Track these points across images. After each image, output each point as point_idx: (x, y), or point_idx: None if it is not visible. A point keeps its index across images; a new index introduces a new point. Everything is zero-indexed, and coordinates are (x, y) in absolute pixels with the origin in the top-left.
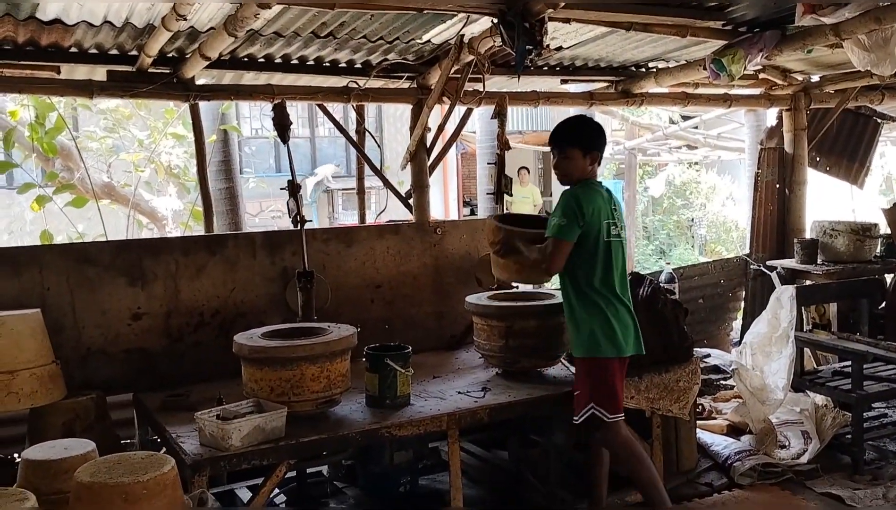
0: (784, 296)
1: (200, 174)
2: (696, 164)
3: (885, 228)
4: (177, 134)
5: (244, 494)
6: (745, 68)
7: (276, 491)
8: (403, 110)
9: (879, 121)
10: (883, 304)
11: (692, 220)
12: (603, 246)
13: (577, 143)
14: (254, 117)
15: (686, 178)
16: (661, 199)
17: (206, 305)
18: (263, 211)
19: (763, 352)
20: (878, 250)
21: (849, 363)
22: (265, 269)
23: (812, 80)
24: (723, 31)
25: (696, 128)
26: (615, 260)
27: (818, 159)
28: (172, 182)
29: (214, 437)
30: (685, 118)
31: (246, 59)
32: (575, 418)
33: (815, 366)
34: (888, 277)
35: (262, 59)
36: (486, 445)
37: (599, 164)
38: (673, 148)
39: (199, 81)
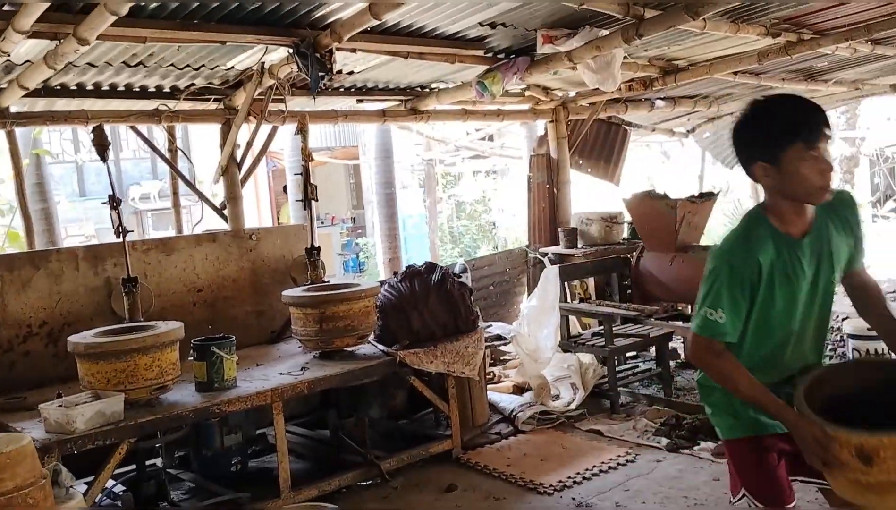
0: (551, 274)
1: (20, 196)
2: (494, 172)
3: (628, 216)
4: None
5: (81, 488)
6: (503, 88)
7: (114, 482)
8: (210, 131)
9: (627, 128)
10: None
11: (493, 223)
12: None
13: None
14: (54, 142)
15: (485, 185)
16: (463, 205)
17: (34, 317)
18: (69, 236)
19: (536, 322)
20: (625, 234)
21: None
22: (89, 280)
23: (569, 96)
24: (484, 58)
25: (484, 139)
26: None
27: (580, 162)
28: None
29: (60, 423)
30: (478, 130)
31: (58, 88)
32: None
33: (581, 330)
34: (634, 255)
35: (74, 87)
36: (308, 427)
37: None
38: (466, 158)
39: (13, 109)
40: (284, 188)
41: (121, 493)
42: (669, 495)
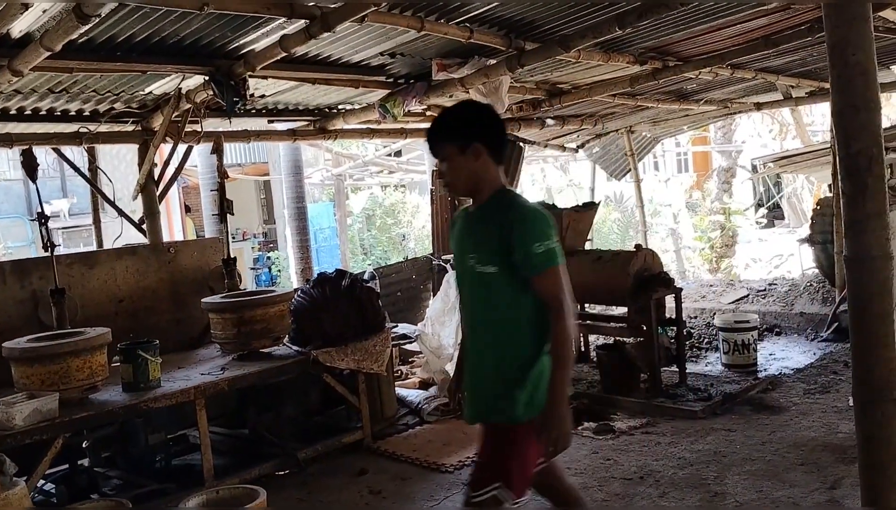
0: (451, 278)
1: None
2: (403, 186)
3: None
4: None
5: None
6: (403, 111)
7: (43, 482)
8: (120, 150)
9: (522, 145)
10: None
11: (403, 236)
12: None
13: (452, 137)
14: None
15: (394, 199)
16: (374, 218)
17: None
18: None
19: (439, 322)
20: None
21: None
22: (16, 293)
23: None
24: (385, 83)
25: (391, 155)
26: None
27: None
28: None
29: None
30: (385, 147)
31: None
32: (474, 494)
33: None
34: None
35: None
36: (227, 428)
37: (501, 163)
38: (374, 172)
39: None
40: (188, 208)
41: (52, 490)
42: None
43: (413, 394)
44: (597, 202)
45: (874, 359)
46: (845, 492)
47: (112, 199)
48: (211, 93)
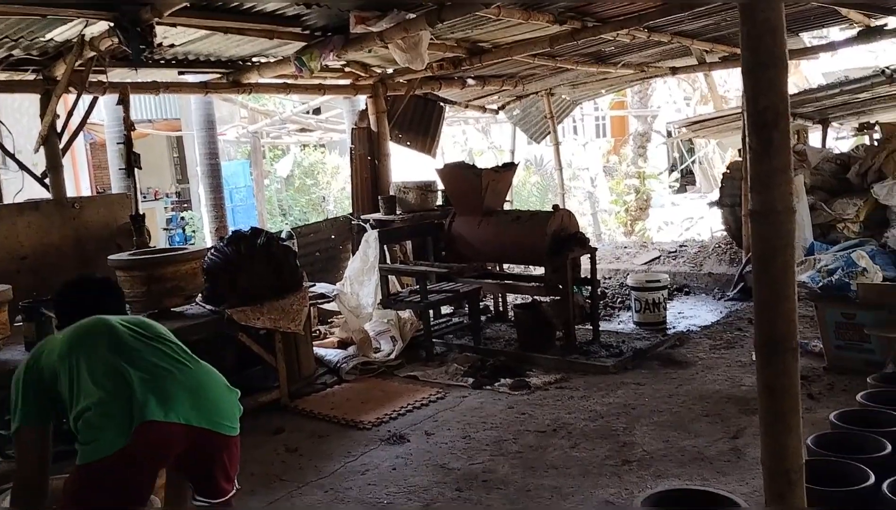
0: (370, 238)
1: None
2: (323, 146)
3: (441, 184)
4: None
5: None
6: (320, 65)
7: None
8: (22, 102)
9: (442, 105)
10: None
11: (323, 197)
12: (67, 374)
13: None
14: None
15: (313, 159)
16: (293, 179)
17: None
18: None
19: (358, 281)
20: (439, 201)
21: None
22: None
23: (388, 73)
24: (301, 35)
25: (309, 113)
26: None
27: (399, 136)
28: None
29: None
30: (304, 104)
31: None
32: None
33: (400, 289)
34: (446, 220)
35: None
36: None
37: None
38: (292, 131)
39: None
40: None
41: None
42: (471, 422)
43: (332, 354)
44: (516, 163)
45: (776, 311)
46: (747, 442)
47: (12, 152)
48: (116, 40)
